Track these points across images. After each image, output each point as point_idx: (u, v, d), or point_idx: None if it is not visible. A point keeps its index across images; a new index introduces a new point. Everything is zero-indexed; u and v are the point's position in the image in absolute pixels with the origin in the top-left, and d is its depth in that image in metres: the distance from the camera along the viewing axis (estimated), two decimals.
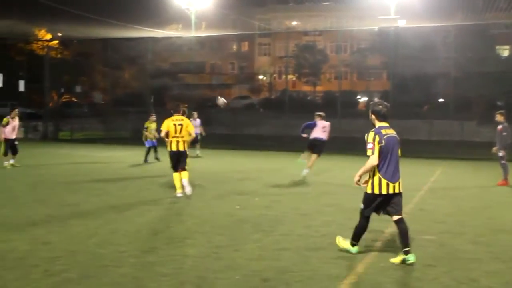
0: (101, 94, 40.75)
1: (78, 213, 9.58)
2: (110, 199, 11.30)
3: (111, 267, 6.32)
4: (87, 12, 24.62)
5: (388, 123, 6.85)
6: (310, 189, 13.00)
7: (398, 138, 6.85)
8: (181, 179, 11.39)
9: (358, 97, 50.01)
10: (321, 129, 15.00)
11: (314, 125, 15.12)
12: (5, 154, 17.19)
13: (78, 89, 39.69)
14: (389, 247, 7.34)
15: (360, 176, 6.75)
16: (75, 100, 41.20)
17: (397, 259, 6.64)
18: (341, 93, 34.89)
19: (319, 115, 15.36)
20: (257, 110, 47.23)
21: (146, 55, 36.29)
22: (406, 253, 6.58)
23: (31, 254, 6.82)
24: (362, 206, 6.86)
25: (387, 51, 33.67)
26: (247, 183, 14.10)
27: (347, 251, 7.05)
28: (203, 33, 34.46)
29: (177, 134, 11.27)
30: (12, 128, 17.11)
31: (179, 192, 11.38)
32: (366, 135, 6.72)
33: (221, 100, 28.64)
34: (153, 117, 19.88)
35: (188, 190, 11.41)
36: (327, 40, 55.10)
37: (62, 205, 10.42)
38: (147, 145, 19.52)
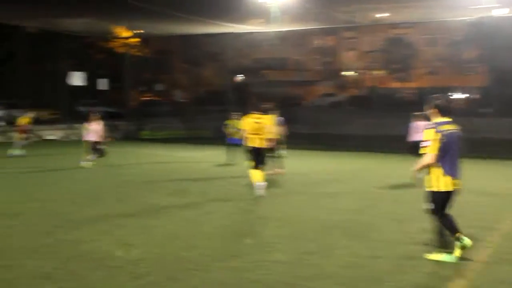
0: (181, 92, 41.56)
1: (161, 214, 9.75)
2: (192, 200, 11.43)
3: (197, 271, 6.35)
4: (167, 8, 25.15)
5: (450, 118, 6.86)
6: (406, 193, 12.59)
7: (461, 134, 6.87)
8: (259, 176, 11.74)
9: (450, 93, 48.36)
10: (418, 130, 14.55)
11: (414, 127, 14.80)
12: (89, 153, 17.91)
13: (158, 87, 40.67)
14: (497, 258, 6.97)
15: (417, 172, 6.89)
16: (156, 99, 42.26)
17: (455, 252, 6.72)
18: (435, 89, 33.86)
19: (417, 115, 14.93)
20: (343, 108, 46.71)
21: (226, 51, 36.71)
22: (458, 239, 6.69)
23: (115, 255, 6.98)
24: (430, 206, 6.88)
25: (484, 43, 32.30)
26: (336, 185, 13.89)
27: (444, 261, 6.75)
28: (285, 28, 34.39)
29: (256, 131, 11.73)
30: (94, 130, 17.99)
31: (260, 185, 11.69)
32: (424, 131, 6.80)
33: (240, 78, 28.61)
34: (235, 115, 19.99)
35: (262, 191, 11.65)
36: (418, 33, 53.63)
37: (144, 205, 10.64)
38: (229, 142, 19.62)
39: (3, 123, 34.54)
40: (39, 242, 7.58)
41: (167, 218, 9.42)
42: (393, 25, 55.41)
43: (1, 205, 10.53)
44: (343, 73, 59.62)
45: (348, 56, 59.92)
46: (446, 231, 6.89)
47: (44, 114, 39.06)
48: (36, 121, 33.35)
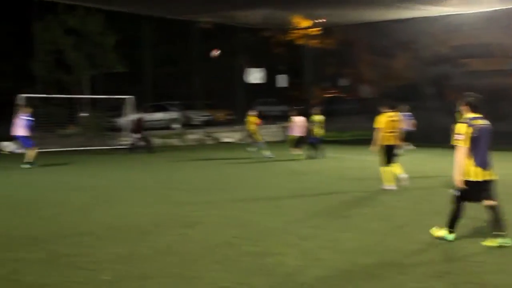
0: (368, 87, 41.26)
1: (350, 226, 9.72)
2: (383, 210, 11.31)
3: None
4: None
5: (481, 113, 8.21)
6: None
7: (491, 128, 8.20)
8: (393, 172, 13.82)
9: None
10: None
11: None
12: (295, 147, 22.37)
13: (342, 82, 40.72)
14: None
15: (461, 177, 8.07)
16: (340, 95, 42.40)
17: (490, 242, 8.06)
18: None
19: None
20: None
21: (420, 38, 35.79)
22: (499, 236, 7.99)
23: (301, 270, 7.06)
24: (455, 192, 8.22)
25: None
26: None
27: (443, 239, 8.37)
28: (490, 7, 32.62)
29: (392, 129, 13.73)
30: (296, 125, 22.34)
31: (390, 185, 13.68)
32: (455, 126, 8.12)
33: (215, 53, 27.75)
34: (317, 110, 22.97)
35: (405, 182, 13.87)
36: None
37: (330, 216, 10.69)
38: (310, 141, 22.59)
39: (178, 125, 36.79)
40: (219, 253, 7.91)
41: (357, 230, 9.37)
42: None
43: (181, 212, 11.19)
44: None
45: None
46: (500, 215, 8.09)
47: (221, 115, 41.02)
48: (211, 123, 35.18)
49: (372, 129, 14.27)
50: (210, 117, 38.36)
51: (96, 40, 33.21)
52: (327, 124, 23.57)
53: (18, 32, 34.51)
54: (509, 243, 7.96)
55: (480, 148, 8.03)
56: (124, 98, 31.26)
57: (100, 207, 11.95)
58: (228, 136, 34.90)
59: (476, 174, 8.05)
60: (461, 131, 8.00)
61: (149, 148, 26.85)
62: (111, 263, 7.43)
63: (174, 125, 36.98)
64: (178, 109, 38.76)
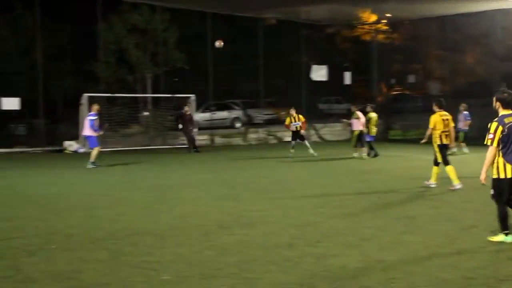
0: (437, 84, 40.55)
1: (414, 227, 9.67)
2: (450, 212, 11.22)
3: None
4: None
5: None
6: None
7: None
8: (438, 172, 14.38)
9: None
10: None
11: None
12: (355, 146, 22.97)
13: (410, 79, 40.11)
14: None
15: (486, 173, 8.40)
16: (407, 93, 41.84)
17: (495, 238, 8.47)
18: None
19: None
20: None
21: (492, 32, 34.98)
22: (507, 235, 8.32)
23: (363, 272, 7.08)
24: (492, 192, 8.45)
25: None
26: None
27: (503, 242, 8.33)
28: None
29: (445, 129, 14.12)
30: (358, 121, 22.72)
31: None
32: (489, 124, 8.37)
33: (218, 44, 27.18)
34: (371, 108, 23.38)
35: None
36: None
37: (393, 217, 10.66)
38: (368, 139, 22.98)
39: (239, 124, 37.05)
40: (279, 254, 8.00)
41: (421, 231, 9.31)
42: None
43: (239, 212, 11.35)
44: None
45: None
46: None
47: (284, 114, 41.00)
48: (274, 122, 35.30)
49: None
50: (273, 115, 38.44)
51: (159, 38, 33.80)
52: (392, 123, 23.56)
53: (82, 32, 35.39)
54: None
55: (510, 145, 8.22)
56: (187, 96, 31.71)
57: (163, 206, 12.21)
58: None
59: (507, 172, 8.25)
60: (492, 131, 8.27)
61: (191, 148, 27.08)
62: (172, 263, 7.61)
63: (237, 124, 37.27)
64: (240, 108, 39.00)
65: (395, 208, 11.72)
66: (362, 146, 22.83)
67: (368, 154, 22.86)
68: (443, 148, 14.22)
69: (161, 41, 33.88)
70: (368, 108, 23.29)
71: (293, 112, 23.81)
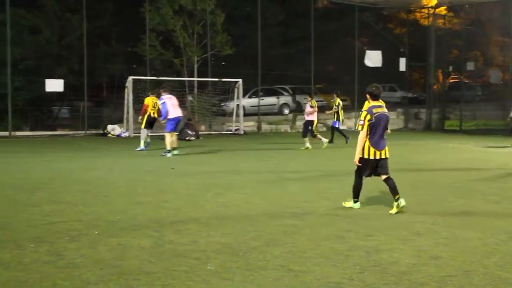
0: (499, 72, 39.79)
1: (471, 223, 9.52)
2: (511, 207, 11.03)
3: None
4: None
5: (380, 102, 10.43)
6: None
7: (388, 115, 10.44)
8: None
9: None
10: None
11: None
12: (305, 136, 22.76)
13: (469, 66, 39.47)
14: None
15: (359, 154, 10.28)
16: (466, 81, 41.20)
17: (393, 209, 10.22)
18: None
19: None
20: None
21: None
22: (398, 199, 10.17)
23: (417, 269, 6.99)
24: (356, 167, 10.46)
25: None
26: None
27: (351, 207, 10.57)
28: None
29: None
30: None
31: None
32: (360, 112, 10.49)
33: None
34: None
35: None
36: None
37: (449, 211, 10.53)
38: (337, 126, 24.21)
39: (287, 111, 36.96)
40: (328, 247, 7.95)
41: (479, 227, 9.15)
42: None
43: (288, 203, 11.33)
44: None
45: None
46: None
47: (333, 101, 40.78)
48: (325, 109, 35.14)
49: (500, 118, 13.93)
50: (324, 102, 38.33)
51: (207, 20, 33.83)
52: (448, 113, 23.25)
53: (128, 14, 35.76)
54: (403, 203, 10.16)
55: (375, 132, 10.18)
56: (234, 81, 31.76)
57: (208, 194, 12.27)
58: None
59: (371, 153, 10.23)
60: (362, 118, 10.22)
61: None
62: (217, 252, 7.62)
63: (285, 111, 37.23)
64: (289, 94, 38.95)
65: (451, 202, 11.56)
66: (306, 136, 23.18)
67: (331, 141, 24.11)
68: None
69: (209, 23, 33.94)
70: (336, 95, 24.27)
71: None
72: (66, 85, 30.48)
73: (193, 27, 33.77)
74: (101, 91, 38.36)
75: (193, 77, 33.99)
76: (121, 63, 37.30)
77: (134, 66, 36.79)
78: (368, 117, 10.13)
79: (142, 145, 21.66)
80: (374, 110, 10.19)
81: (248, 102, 36.20)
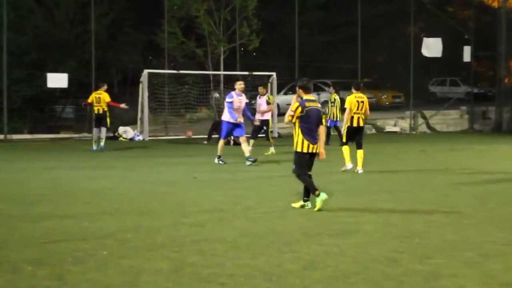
0: None
1: None
2: None
3: None
4: None
5: (312, 96, 12.15)
6: None
7: (321, 110, 12.00)
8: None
9: None
10: None
11: None
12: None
13: None
14: None
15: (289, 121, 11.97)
16: None
17: (317, 206, 11.61)
18: None
19: None
20: None
21: None
22: (318, 195, 11.53)
23: None
24: (294, 167, 12.01)
25: None
26: None
27: (302, 206, 11.94)
28: None
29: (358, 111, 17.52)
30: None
31: (348, 165, 17.61)
32: (292, 104, 11.87)
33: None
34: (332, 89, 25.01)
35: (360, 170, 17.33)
36: None
37: None
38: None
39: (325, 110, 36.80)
40: (377, 271, 7.89)
41: None
42: None
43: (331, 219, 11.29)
44: None
45: None
46: None
47: (386, 98, 40.61)
48: (374, 108, 34.95)
49: None
50: (372, 99, 38.18)
51: (235, 4, 33.76)
52: None
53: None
54: (325, 196, 11.55)
55: (308, 126, 11.69)
56: (267, 75, 31.70)
57: (236, 207, 12.26)
58: (394, 124, 34.53)
59: (304, 147, 11.71)
60: (293, 109, 11.70)
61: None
62: (246, 277, 7.59)
63: (327, 109, 37.11)
64: (330, 91, 38.86)
65: None
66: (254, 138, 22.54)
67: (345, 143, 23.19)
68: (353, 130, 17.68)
69: (237, 8, 33.91)
70: (331, 90, 23.79)
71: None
72: (70, 80, 30.52)
73: (219, 12, 33.83)
74: (112, 87, 38.52)
75: (219, 71, 34.04)
76: (135, 54, 37.47)
77: (150, 57, 36.97)
78: (300, 109, 11.65)
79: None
80: (307, 104, 11.75)
81: (283, 99, 36.15)
